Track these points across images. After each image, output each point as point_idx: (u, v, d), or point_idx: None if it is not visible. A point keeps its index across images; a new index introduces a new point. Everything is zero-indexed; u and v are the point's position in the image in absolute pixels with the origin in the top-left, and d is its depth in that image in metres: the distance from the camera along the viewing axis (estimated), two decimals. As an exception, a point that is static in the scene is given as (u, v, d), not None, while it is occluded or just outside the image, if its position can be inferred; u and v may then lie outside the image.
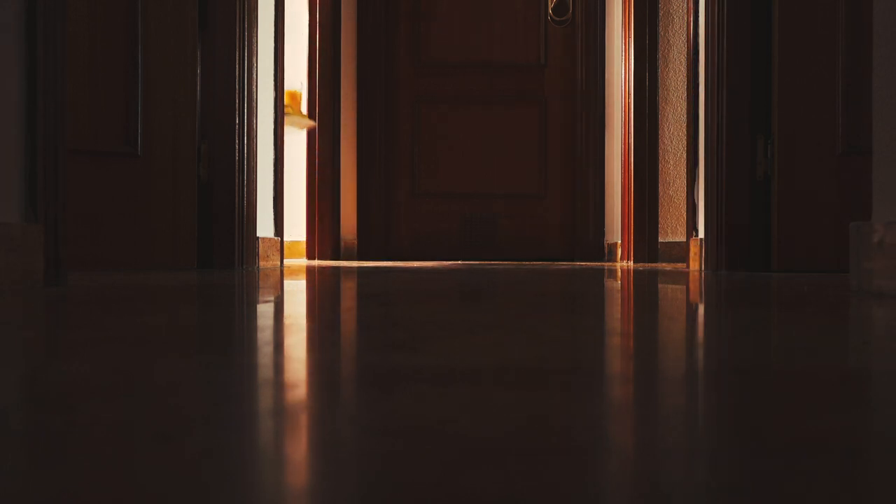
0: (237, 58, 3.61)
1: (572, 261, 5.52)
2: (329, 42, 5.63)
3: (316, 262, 5.06)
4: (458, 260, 5.58)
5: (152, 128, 3.46)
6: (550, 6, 5.52)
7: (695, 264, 3.68)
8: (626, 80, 5.32)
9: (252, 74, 3.70)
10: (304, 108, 5.60)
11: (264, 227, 4.01)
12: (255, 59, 3.72)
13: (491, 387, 0.70)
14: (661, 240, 5.19)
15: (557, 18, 5.52)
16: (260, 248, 3.83)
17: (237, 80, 3.61)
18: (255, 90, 3.73)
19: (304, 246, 5.60)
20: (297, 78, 5.57)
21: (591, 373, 0.78)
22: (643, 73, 5.18)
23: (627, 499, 0.40)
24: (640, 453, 0.49)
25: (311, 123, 5.38)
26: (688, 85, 3.84)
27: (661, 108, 5.18)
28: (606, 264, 4.85)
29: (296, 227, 5.59)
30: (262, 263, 3.85)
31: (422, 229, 5.70)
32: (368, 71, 5.70)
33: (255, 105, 3.73)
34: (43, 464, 0.46)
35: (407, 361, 0.84)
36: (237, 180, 3.61)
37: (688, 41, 3.87)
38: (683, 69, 4.91)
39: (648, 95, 5.16)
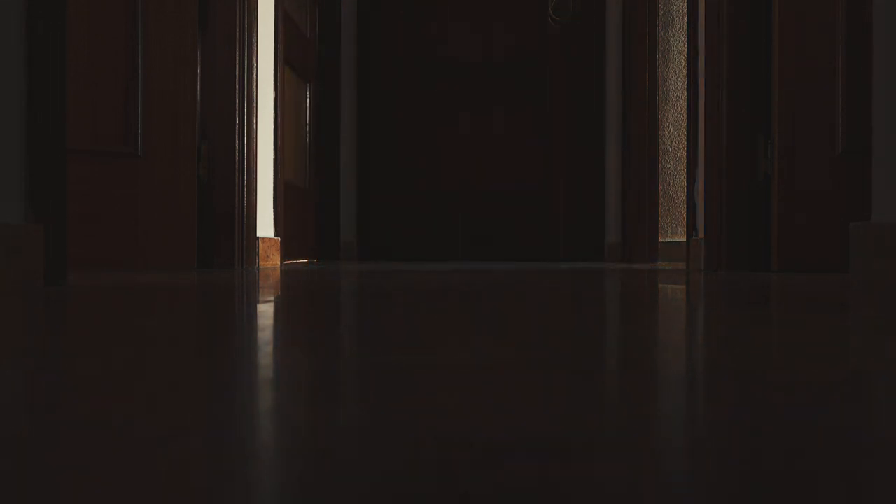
0: (237, 58, 3.61)
1: (573, 261, 5.52)
2: (330, 42, 5.63)
3: (316, 263, 5.06)
4: (457, 259, 5.59)
5: (152, 128, 3.46)
6: (551, 6, 5.52)
7: (695, 264, 3.68)
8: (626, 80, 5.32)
9: (252, 74, 3.70)
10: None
11: (264, 227, 4.01)
12: (255, 59, 3.72)
13: (493, 387, 0.70)
14: (661, 240, 5.20)
15: (557, 18, 5.52)
16: (260, 248, 3.83)
17: (237, 80, 3.62)
18: (255, 90, 3.73)
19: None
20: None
21: (592, 372, 0.78)
22: (643, 73, 5.18)
23: (626, 496, 0.40)
24: (638, 452, 0.49)
25: None
26: (688, 85, 3.84)
27: (660, 108, 5.19)
28: (606, 264, 4.85)
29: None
30: (262, 263, 3.86)
31: (422, 229, 5.70)
32: (369, 70, 5.71)
33: (255, 105, 3.73)
34: (42, 462, 0.46)
35: (409, 361, 0.84)
36: (237, 180, 3.61)
37: (688, 41, 3.87)
38: (683, 69, 4.91)
39: (648, 95, 5.16)
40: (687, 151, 3.83)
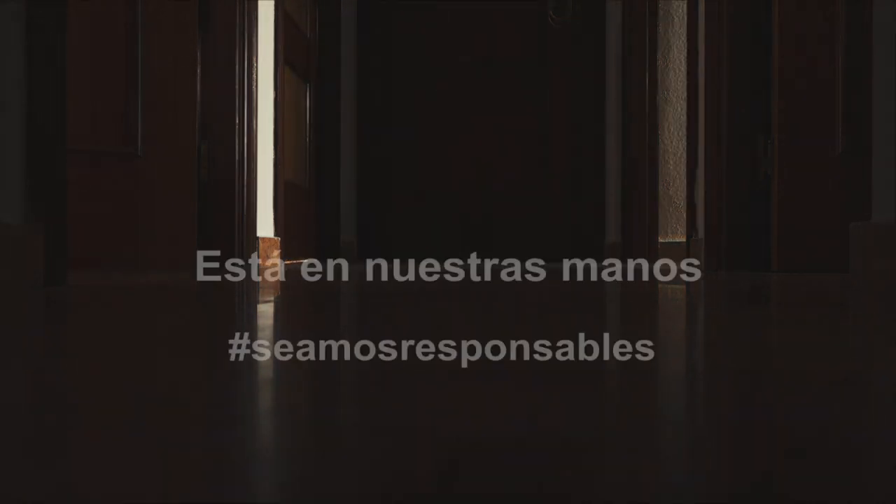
0: (237, 58, 3.61)
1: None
2: (330, 42, 5.63)
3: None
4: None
5: (152, 128, 3.46)
6: (551, 6, 5.52)
7: (695, 264, 3.68)
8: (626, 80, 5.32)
9: (252, 74, 3.70)
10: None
11: (264, 227, 4.01)
12: (255, 59, 3.72)
13: (493, 387, 0.70)
14: (661, 240, 5.19)
15: (557, 18, 5.52)
16: (260, 248, 3.84)
17: (237, 80, 3.62)
18: (255, 90, 3.73)
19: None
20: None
21: (592, 372, 0.78)
22: (643, 73, 5.18)
23: (626, 496, 0.40)
24: (638, 452, 0.49)
25: None
26: (688, 85, 3.84)
27: (661, 108, 5.19)
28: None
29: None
30: (262, 263, 3.86)
31: (421, 229, 5.70)
32: (369, 70, 5.71)
33: (255, 105, 3.74)
34: (43, 463, 0.46)
35: (409, 361, 0.84)
36: (237, 180, 3.61)
37: (688, 41, 3.87)
38: (683, 69, 4.91)
39: (648, 95, 5.16)
40: (687, 151, 3.84)
